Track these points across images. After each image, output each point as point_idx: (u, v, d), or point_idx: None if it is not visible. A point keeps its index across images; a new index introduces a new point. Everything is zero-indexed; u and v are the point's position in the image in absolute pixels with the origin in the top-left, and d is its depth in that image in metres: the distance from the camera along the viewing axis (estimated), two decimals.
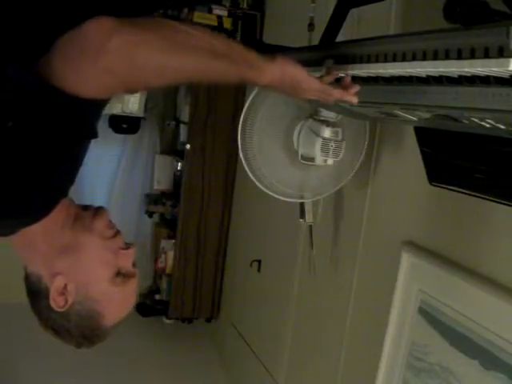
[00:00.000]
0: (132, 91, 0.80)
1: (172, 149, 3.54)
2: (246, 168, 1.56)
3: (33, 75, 0.72)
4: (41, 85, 0.71)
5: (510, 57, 0.59)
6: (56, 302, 0.91)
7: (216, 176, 3.03)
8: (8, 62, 0.73)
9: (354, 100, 0.91)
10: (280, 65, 0.85)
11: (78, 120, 0.77)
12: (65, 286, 0.91)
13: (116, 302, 0.95)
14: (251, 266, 2.61)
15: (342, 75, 0.92)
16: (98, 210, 0.95)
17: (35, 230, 0.87)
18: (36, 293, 0.93)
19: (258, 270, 2.60)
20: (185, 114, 3.09)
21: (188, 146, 2.95)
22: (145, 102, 3.29)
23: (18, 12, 0.78)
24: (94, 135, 0.83)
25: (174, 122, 3.35)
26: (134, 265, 0.97)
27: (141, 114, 3.31)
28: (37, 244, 0.90)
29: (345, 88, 0.91)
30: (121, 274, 0.94)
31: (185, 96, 3.18)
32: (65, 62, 0.71)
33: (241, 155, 1.55)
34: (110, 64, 0.69)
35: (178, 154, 3.28)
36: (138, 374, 2.84)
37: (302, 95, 0.90)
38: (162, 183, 3.49)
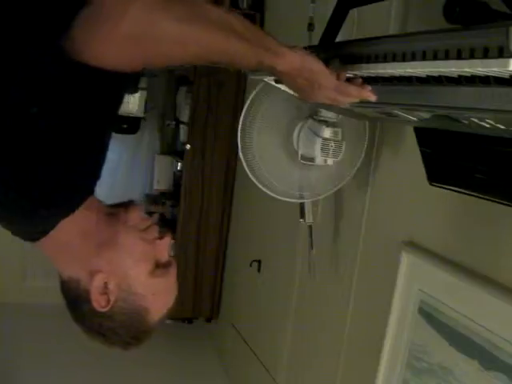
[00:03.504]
0: (153, 63, 0.77)
1: (172, 149, 3.54)
2: (246, 168, 1.56)
3: (54, 52, 0.70)
4: (63, 61, 0.70)
5: (509, 57, 0.59)
6: (98, 302, 0.88)
7: (216, 176, 3.03)
8: (29, 42, 0.71)
9: (373, 97, 0.88)
10: (300, 54, 0.82)
11: (103, 98, 0.76)
12: (105, 285, 0.88)
13: (159, 295, 0.93)
14: (251, 266, 2.61)
15: (350, 75, 0.90)
16: (129, 203, 0.94)
17: (67, 230, 0.85)
18: (76, 299, 0.90)
19: (258, 270, 2.60)
20: (185, 114, 3.09)
21: (188, 146, 2.95)
22: (145, 102, 3.29)
23: None
24: (115, 123, 0.82)
25: (173, 122, 3.35)
26: (170, 254, 0.95)
27: (141, 114, 3.31)
28: (71, 245, 0.87)
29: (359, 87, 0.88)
30: (160, 266, 0.91)
31: (185, 96, 3.18)
32: (87, 31, 0.70)
33: (241, 155, 1.55)
34: (132, 29, 0.69)
35: (178, 154, 3.28)
36: (138, 373, 2.84)
37: (316, 92, 0.86)
38: (161, 183, 3.49)
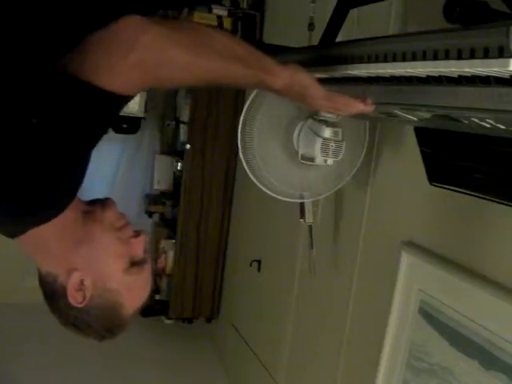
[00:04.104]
0: (160, 87, 0.82)
1: (172, 149, 3.54)
2: (246, 168, 1.56)
3: (61, 70, 0.73)
4: (69, 79, 0.72)
5: (510, 57, 0.59)
6: (74, 299, 0.91)
7: (216, 176, 3.03)
8: (38, 57, 0.74)
9: (360, 107, 0.92)
10: (290, 70, 0.87)
11: (102, 116, 0.79)
12: (81, 282, 0.90)
13: (134, 291, 0.96)
14: (251, 266, 2.61)
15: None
16: (105, 202, 0.96)
17: (45, 228, 0.87)
18: (53, 293, 0.93)
19: (258, 270, 2.60)
20: (185, 114, 3.09)
21: (188, 146, 2.95)
22: (145, 103, 3.29)
23: (45, 10, 0.80)
24: (106, 131, 0.84)
25: (173, 122, 3.35)
26: (145, 250, 0.97)
27: (141, 114, 3.31)
28: (48, 242, 0.90)
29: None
30: (135, 263, 0.94)
31: (185, 96, 3.18)
32: (96, 57, 0.73)
33: (241, 155, 1.55)
34: (142, 58, 0.72)
35: (178, 154, 3.28)
36: (138, 373, 2.84)
37: (311, 103, 0.92)
38: (161, 183, 3.49)
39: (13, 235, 0.89)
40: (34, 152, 0.73)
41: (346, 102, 0.92)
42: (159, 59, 0.74)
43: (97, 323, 0.94)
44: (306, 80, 0.89)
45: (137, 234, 0.97)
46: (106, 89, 0.73)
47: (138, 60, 0.72)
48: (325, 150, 1.50)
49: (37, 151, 0.74)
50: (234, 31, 2.79)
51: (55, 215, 0.85)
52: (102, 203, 0.95)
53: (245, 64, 0.82)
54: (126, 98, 0.79)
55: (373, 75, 0.88)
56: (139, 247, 0.96)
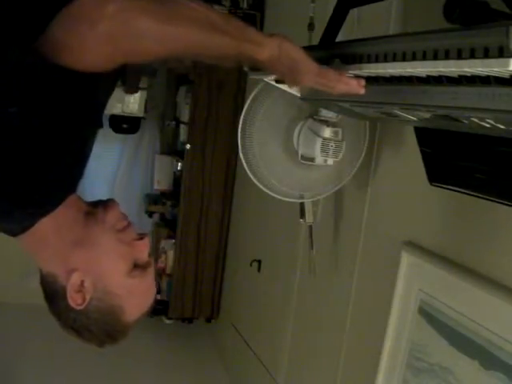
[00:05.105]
0: (132, 60, 0.77)
1: (172, 149, 3.54)
2: (246, 168, 1.56)
3: (34, 55, 0.70)
4: (43, 64, 0.70)
5: (510, 57, 0.59)
6: (74, 300, 0.89)
7: (216, 176, 3.03)
8: (9, 44, 0.72)
9: (353, 84, 0.86)
10: (278, 41, 0.81)
11: (82, 100, 0.76)
12: (81, 283, 0.89)
13: (136, 295, 0.94)
14: (251, 265, 2.61)
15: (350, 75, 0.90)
16: (108, 203, 0.94)
17: (46, 227, 0.86)
18: (53, 294, 0.91)
19: (258, 270, 2.60)
20: (185, 114, 3.10)
21: (188, 146, 2.95)
22: (145, 102, 3.29)
23: None
24: (99, 123, 0.82)
25: (174, 122, 3.35)
26: (149, 254, 0.96)
27: (141, 114, 3.31)
28: (49, 242, 0.88)
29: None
30: (138, 266, 0.92)
31: (185, 96, 3.18)
32: (63, 34, 0.70)
33: (241, 155, 1.55)
34: (108, 30, 0.69)
35: (178, 154, 3.28)
36: (138, 373, 2.84)
37: (299, 78, 0.85)
38: (161, 183, 3.49)
39: (14, 233, 0.88)
40: (15, 142, 0.72)
41: (339, 78, 0.85)
42: (127, 30, 0.70)
43: (96, 327, 0.92)
44: (296, 52, 0.82)
45: (140, 236, 0.95)
46: (78, 68, 0.70)
47: (104, 33, 0.69)
48: (325, 150, 1.50)
49: (18, 141, 0.72)
50: None
51: (50, 210, 0.84)
52: (105, 204, 0.94)
53: (222, 32, 0.76)
54: (102, 76, 0.75)
55: (373, 75, 0.88)
56: (143, 250, 0.94)
